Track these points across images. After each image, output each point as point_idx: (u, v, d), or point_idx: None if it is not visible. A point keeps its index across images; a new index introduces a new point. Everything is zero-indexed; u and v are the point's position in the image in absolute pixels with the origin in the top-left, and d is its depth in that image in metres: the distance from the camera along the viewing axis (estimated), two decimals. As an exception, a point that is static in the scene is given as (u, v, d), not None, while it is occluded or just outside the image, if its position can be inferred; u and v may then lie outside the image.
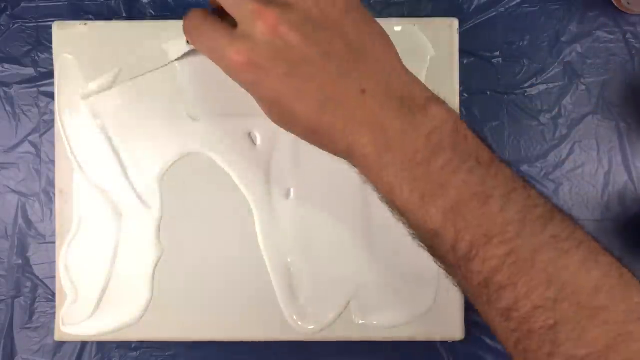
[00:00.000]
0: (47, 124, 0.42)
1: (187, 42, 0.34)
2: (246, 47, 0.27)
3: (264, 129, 0.39)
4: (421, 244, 0.28)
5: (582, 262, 0.25)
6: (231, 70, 0.28)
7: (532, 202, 0.26)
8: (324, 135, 0.28)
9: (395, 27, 0.39)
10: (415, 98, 0.27)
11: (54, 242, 0.39)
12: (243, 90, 0.40)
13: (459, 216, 0.26)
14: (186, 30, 0.31)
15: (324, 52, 0.27)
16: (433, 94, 0.28)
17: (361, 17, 0.28)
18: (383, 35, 0.29)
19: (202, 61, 0.39)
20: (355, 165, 0.29)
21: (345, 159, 0.29)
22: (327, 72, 0.27)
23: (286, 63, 0.27)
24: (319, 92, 0.27)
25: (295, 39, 0.26)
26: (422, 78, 0.39)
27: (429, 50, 0.39)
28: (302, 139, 0.29)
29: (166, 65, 0.39)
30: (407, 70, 0.29)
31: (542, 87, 0.42)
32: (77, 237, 0.39)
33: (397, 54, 0.29)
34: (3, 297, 0.42)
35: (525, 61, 0.42)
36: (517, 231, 0.25)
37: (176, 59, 0.38)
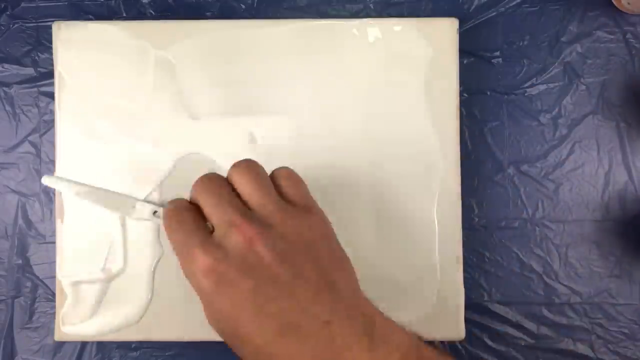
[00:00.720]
0: (47, 124, 0.42)
1: (154, 213, 0.35)
2: (215, 254, 0.26)
3: (264, 129, 0.39)
4: None
5: None
6: (191, 272, 0.27)
7: None
8: None
9: (395, 27, 0.39)
10: (376, 323, 0.27)
11: (54, 242, 0.39)
12: (243, 90, 0.40)
13: None
14: (167, 215, 0.29)
15: (295, 273, 0.26)
16: (389, 319, 0.28)
17: (333, 245, 0.29)
18: (347, 261, 0.29)
19: (201, 62, 0.39)
20: None
21: None
22: (294, 295, 0.26)
23: (254, 279, 0.26)
24: (281, 315, 0.26)
25: (268, 257, 0.26)
26: (422, 78, 0.39)
27: (429, 50, 0.39)
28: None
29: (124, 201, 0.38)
30: (363, 294, 0.29)
31: (542, 87, 0.42)
32: (78, 237, 0.39)
33: (354, 280, 0.29)
34: (3, 297, 0.42)
35: (525, 61, 0.42)
36: None
37: (133, 218, 0.38)
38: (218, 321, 0.27)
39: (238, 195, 0.29)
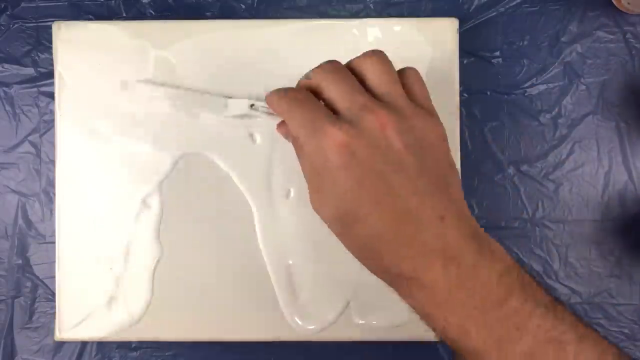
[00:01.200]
0: (47, 124, 0.42)
1: (251, 106, 0.35)
2: (349, 130, 0.26)
3: (264, 129, 0.39)
4: None
5: None
6: (319, 147, 0.27)
7: (602, 348, 0.25)
8: (384, 250, 0.27)
9: (395, 27, 0.39)
10: (481, 233, 0.27)
11: (54, 242, 0.40)
12: (243, 90, 0.40)
13: None
14: (282, 95, 0.29)
15: (420, 167, 0.26)
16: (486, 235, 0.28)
17: (449, 152, 0.29)
18: (457, 171, 0.29)
19: (201, 62, 0.39)
20: (408, 295, 0.27)
21: (392, 282, 0.28)
22: (417, 186, 0.26)
23: (383, 162, 0.26)
24: (403, 201, 0.26)
25: (399, 144, 0.26)
26: (422, 78, 0.39)
27: (429, 50, 0.39)
28: (349, 243, 0.28)
29: (224, 117, 0.38)
30: (468, 209, 0.28)
31: (542, 87, 0.42)
32: (78, 237, 0.39)
33: (460, 189, 0.29)
34: (3, 297, 0.42)
35: (525, 61, 0.42)
36: None
37: (232, 116, 0.38)
38: (337, 198, 0.27)
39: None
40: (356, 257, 0.28)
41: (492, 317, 0.25)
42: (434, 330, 0.27)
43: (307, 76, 0.29)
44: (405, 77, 0.29)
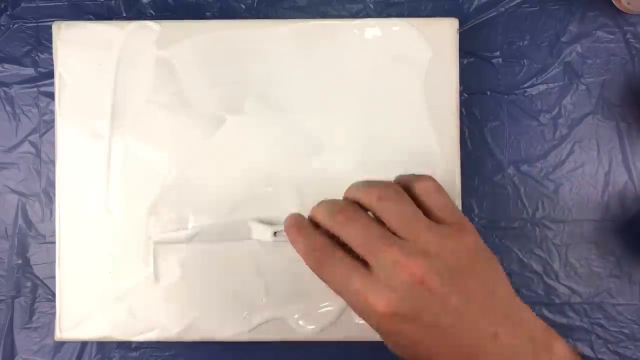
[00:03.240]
0: (47, 124, 0.42)
1: (274, 234, 0.36)
2: (391, 297, 0.26)
3: (264, 128, 0.39)
4: None
5: None
6: (370, 317, 0.27)
7: None
8: None
9: (395, 27, 0.39)
10: (538, 334, 0.27)
11: (54, 242, 0.39)
12: (243, 90, 0.40)
13: None
14: (305, 252, 0.29)
15: (466, 298, 0.26)
16: (548, 326, 0.28)
17: (487, 255, 0.28)
18: (499, 267, 0.29)
19: (201, 62, 0.39)
20: None
21: None
22: (466, 318, 0.26)
23: (431, 314, 0.26)
24: (456, 339, 0.27)
25: (440, 289, 0.26)
26: (422, 78, 0.39)
27: (429, 50, 0.39)
28: None
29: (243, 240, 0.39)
30: (520, 301, 0.28)
31: (542, 87, 0.42)
32: (78, 238, 0.39)
33: (509, 285, 0.28)
34: (3, 297, 0.42)
35: (525, 61, 0.42)
36: None
37: (255, 239, 0.38)
38: (401, 349, 0.28)
39: (381, 222, 0.28)
40: None
41: None
42: None
43: (324, 217, 0.29)
44: (419, 194, 0.29)
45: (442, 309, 0.26)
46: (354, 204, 0.29)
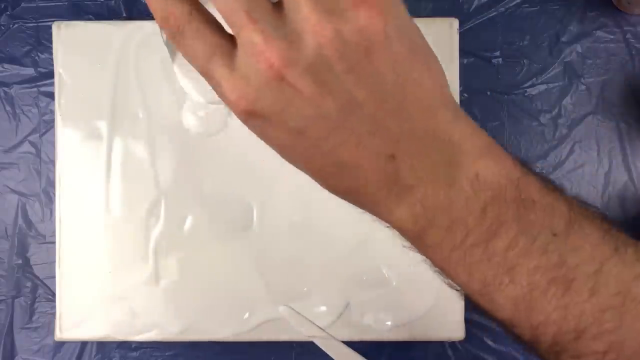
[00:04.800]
0: (47, 124, 0.42)
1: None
2: (246, 91, 0.20)
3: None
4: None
5: None
6: (231, 108, 0.21)
7: (630, 273, 0.20)
8: (349, 199, 0.23)
9: (395, 27, 0.39)
10: (464, 154, 0.21)
11: (54, 242, 0.39)
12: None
13: (534, 309, 0.20)
14: (160, 21, 0.21)
15: (344, 104, 0.20)
16: (487, 139, 0.21)
17: (407, 43, 0.21)
18: (430, 57, 0.22)
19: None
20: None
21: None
22: (346, 131, 0.20)
23: (297, 117, 0.20)
24: (333, 155, 0.21)
25: (307, 88, 0.19)
26: None
27: (429, 50, 0.39)
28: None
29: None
30: (454, 108, 0.21)
31: (542, 87, 0.42)
32: (78, 238, 0.39)
33: (445, 85, 0.22)
34: (3, 297, 0.42)
35: (525, 61, 0.42)
36: (616, 320, 0.20)
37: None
38: (278, 151, 0.22)
39: None
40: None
41: (474, 259, 0.21)
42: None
43: None
44: None
45: (313, 114, 0.20)
46: None
